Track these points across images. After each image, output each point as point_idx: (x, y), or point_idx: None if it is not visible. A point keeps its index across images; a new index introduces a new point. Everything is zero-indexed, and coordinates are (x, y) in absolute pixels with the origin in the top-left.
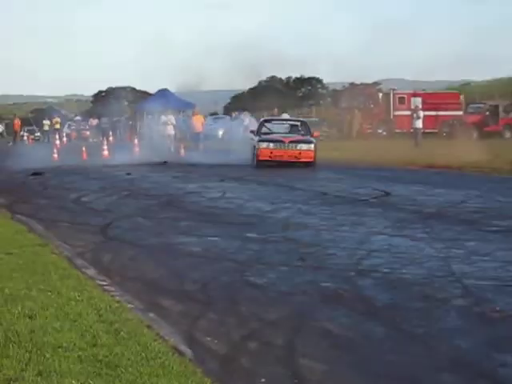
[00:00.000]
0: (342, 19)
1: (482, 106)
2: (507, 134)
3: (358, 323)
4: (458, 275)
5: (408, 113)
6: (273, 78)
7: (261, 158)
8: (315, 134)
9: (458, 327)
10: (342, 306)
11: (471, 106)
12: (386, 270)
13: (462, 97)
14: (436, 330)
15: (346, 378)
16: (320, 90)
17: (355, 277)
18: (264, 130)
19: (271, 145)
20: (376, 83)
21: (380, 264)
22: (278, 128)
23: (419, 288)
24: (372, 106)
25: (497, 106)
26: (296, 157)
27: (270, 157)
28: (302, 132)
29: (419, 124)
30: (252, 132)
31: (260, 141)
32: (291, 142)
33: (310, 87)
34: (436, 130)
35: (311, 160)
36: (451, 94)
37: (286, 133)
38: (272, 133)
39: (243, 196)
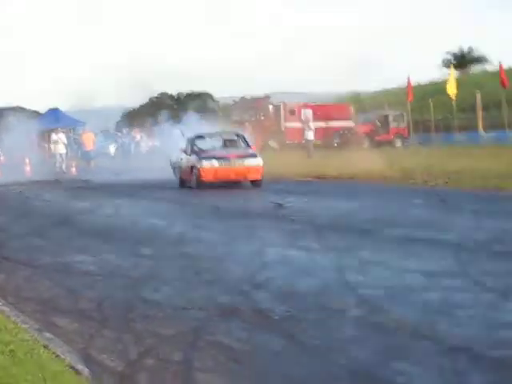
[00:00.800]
0: (225, 34)
1: (372, 116)
2: (398, 143)
3: (255, 336)
4: (353, 285)
5: (298, 124)
6: (163, 94)
7: (204, 179)
8: (254, 147)
9: (355, 337)
10: (239, 320)
11: (362, 116)
12: (281, 283)
13: (351, 107)
14: (333, 340)
15: None
16: (211, 104)
17: (251, 290)
18: (196, 148)
19: (215, 163)
20: (266, 96)
21: (275, 276)
22: (213, 144)
23: (315, 299)
24: (263, 118)
25: (387, 116)
26: (244, 175)
27: (214, 177)
28: (243, 146)
29: (311, 136)
30: (184, 151)
31: (202, 158)
32: (238, 157)
33: (200, 102)
34: (327, 141)
35: (259, 177)
36: (341, 105)
37: (225, 148)
38: (209, 150)
39: (137, 212)
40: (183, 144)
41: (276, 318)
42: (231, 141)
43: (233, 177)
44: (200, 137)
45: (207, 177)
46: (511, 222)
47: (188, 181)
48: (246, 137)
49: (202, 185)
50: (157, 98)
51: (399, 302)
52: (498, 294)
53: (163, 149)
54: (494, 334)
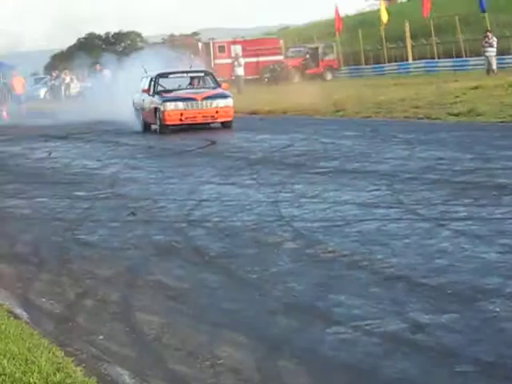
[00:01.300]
0: None
1: (302, 49)
2: (328, 76)
3: (192, 274)
4: (288, 219)
5: (229, 61)
6: (91, 34)
7: (169, 123)
8: (224, 85)
9: (291, 270)
10: (176, 258)
11: (291, 50)
12: (216, 219)
13: (281, 41)
14: (269, 274)
15: (184, 330)
16: (140, 43)
17: (187, 228)
18: (160, 87)
19: (181, 104)
20: (195, 33)
21: (210, 213)
22: (178, 83)
23: (250, 234)
24: (192, 56)
25: (316, 49)
26: (213, 116)
27: (180, 120)
28: (212, 85)
29: (241, 72)
30: (145, 92)
31: (165, 101)
32: (205, 98)
33: (129, 41)
34: (258, 76)
35: (230, 119)
36: (271, 39)
37: (192, 88)
38: (174, 90)
39: (69, 155)
40: (113, 85)
41: (212, 254)
42: (198, 79)
43: (200, 119)
44: (164, 75)
45: (172, 120)
46: (443, 150)
47: (152, 124)
48: (214, 75)
49: (167, 128)
50: (85, 38)
51: (335, 233)
52: (432, 223)
53: (95, 90)
54: (429, 262)
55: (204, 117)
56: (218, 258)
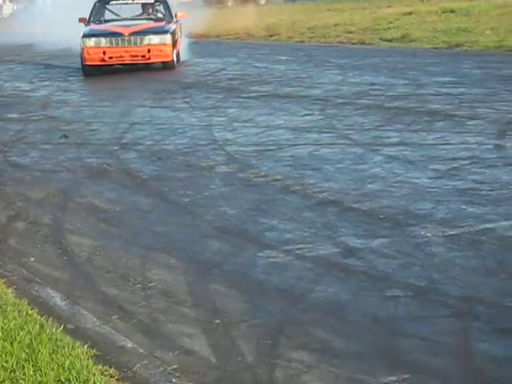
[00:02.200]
0: None
1: None
2: (262, 0)
3: (124, 197)
4: (221, 143)
5: None
6: None
7: (88, 63)
8: (179, 14)
9: (224, 194)
10: (108, 181)
11: None
12: (149, 143)
13: None
14: (202, 198)
15: (117, 252)
16: None
17: (119, 151)
18: (100, 16)
19: (103, 41)
20: None
21: (143, 136)
22: (123, 12)
23: (183, 158)
24: None
25: None
26: (144, 56)
27: (103, 60)
28: (160, 15)
29: None
30: (82, 21)
31: (86, 36)
32: (134, 33)
33: None
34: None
35: (168, 59)
36: None
37: (133, 19)
38: (110, 20)
39: (1, 77)
40: (51, 7)
41: (144, 177)
42: (151, 8)
43: (128, 59)
44: (105, 1)
45: (92, 60)
46: (376, 75)
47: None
48: (167, 3)
49: (88, 70)
50: None
51: (267, 158)
52: (364, 148)
53: (29, 12)
54: (361, 187)
55: (133, 56)
56: (150, 180)
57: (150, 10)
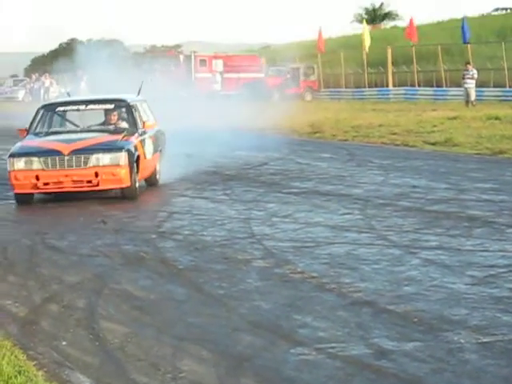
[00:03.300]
0: None
1: (282, 68)
2: (308, 97)
3: (159, 285)
4: (259, 237)
5: (209, 75)
6: (73, 40)
7: (18, 191)
8: (147, 124)
9: (259, 288)
10: (144, 269)
11: (272, 68)
12: (187, 232)
13: (262, 59)
14: (237, 291)
15: (148, 341)
16: (121, 52)
17: (156, 239)
18: (46, 127)
19: (36, 161)
20: (177, 46)
21: (181, 226)
22: (77, 118)
23: (220, 250)
24: (173, 68)
25: (297, 69)
26: (90, 182)
27: (35, 187)
28: (121, 124)
29: (218, 87)
30: (22, 133)
31: (13, 155)
32: (76, 151)
33: (111, 49)
34: (238, 92)
35: (123, 185)
36: (252, 56)
37: (84, 131)
38: (54, 133)
39: None
40: (88, 93)
41: (181, 267)
42: (115, 114)
43: (69, 187)
44: (52, 106)
45: (22, 187)
46: (418, 178)
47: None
48: (133, 107)
49: (21, 199)
50: (67, 43)
51: (305, 254)
52: (402, 250)
53: (73, 95)
54: (397, 289)
55: (75, 182)
56: (186, 270)
57: (115, 118)
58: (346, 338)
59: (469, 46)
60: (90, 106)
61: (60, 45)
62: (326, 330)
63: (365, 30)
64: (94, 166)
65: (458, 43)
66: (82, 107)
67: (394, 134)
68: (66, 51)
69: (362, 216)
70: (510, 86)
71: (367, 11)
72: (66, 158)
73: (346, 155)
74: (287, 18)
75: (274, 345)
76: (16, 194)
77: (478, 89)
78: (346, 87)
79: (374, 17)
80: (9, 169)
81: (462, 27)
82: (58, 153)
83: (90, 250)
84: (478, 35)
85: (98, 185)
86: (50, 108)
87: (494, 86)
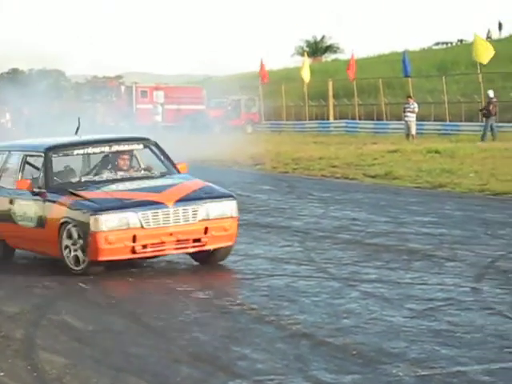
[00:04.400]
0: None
1: (224, 100)
2: (249, 129)
3: (98, 316)
4: (199, 269)
5: (150, 106)
6: (14, 69)
7: (105, 257)
8: (181, 165)
9: (198, 320)
10: (82, 300)
11: (213, 100)
12: (125, 264)
13: (204, 91)
14: (176, 322)
15: (87, 371)
16: (63, 82)
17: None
18: (61, 174)
19: (133, 217)
20: (119, 76)
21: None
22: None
23: (160, 281)
24: (115, 99)
25: (239, 101)
26: (198, 241)
27: (132, 251)
28: (160, 170)
29: (159, 118)
30: (23, 187)
31: (98, 210)
32: (182, 201)
33: (52, 80)
34: (178, 124)
35: (231, 243)
36: (194, 87)
37: (128, 177)
38: (99, 182)
39: None
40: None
41: (120, 298)
42: (128, 156)
43: (171, 248)
44: (63, 148)
45: (114, 252)
46: (358, 211)
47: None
48: (157, 146)
49: (99, 266)
50: (8, 73)
51: (244, 286)
52: (342, 282)
53: (14, 126)
54: (336, 322)
55: (179, 242)
56: (124, 302)
57: (128, 161)
58: (284, 371)
59: (410, 79)
60: (115, 147)
61: (1, 75)
62: (264, 362)
63: (305, 62)
64: (203, 220)
65: (399, 77)
66: (106, 149)
67: (335, 166)
68: (6, 81)
69: (302, 248)
70: (450, 120)
71: (308, 44)
72: (172, 209)
73: (286, 187)
74: (229, 50)
75: (213, 376)
76: (99, 262)
77: (418, 122)
78: (286, 119)
79: (316, 49)
80: (93, 230)
81: (403, 61)
82: (160, 204)
83: (30, 282)
84: (418, 69)
85: (205, 243)
86: (59, 151)
87: (435, 120)
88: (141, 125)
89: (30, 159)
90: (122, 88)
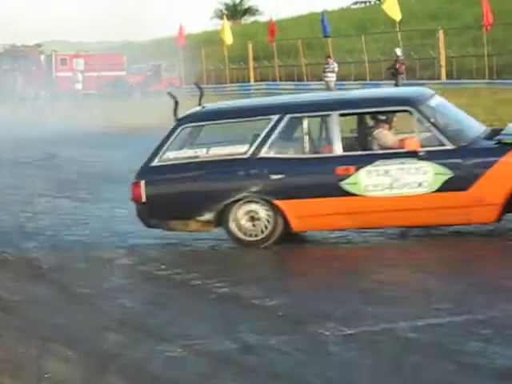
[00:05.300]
0: None
1: (144, 66)
2: None
3: (23, 286)
4: (123, 235)
5: (70, 74)
6: None
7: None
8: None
9: (124, 287)
10: (7, 270)
11: (134, 66)
12: (50, 233)
13: (124, 57)
14: (102, 289)
15: (13, 341)
16: None
17: (20, 240)
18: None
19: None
20: (38, 45)
21: (45, 226)
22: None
23: (85, 249)
24: (34, 68)
25: (159, 66)
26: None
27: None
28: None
29: (79, 86)
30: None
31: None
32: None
33: None
34: (99, 91)
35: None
36: (114, 54)
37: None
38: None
39: None
40: None
41: (45, 267)
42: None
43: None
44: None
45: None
46: None
47: None
48: None
49: None
50: None
51: (169, 251)
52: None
53: None
54: (261, 283)
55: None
56: (50, 271)
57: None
58: (212, 334)
59: (329, 39)
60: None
61: None
62: (191, 326)
63: (225, 25)
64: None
65: (319, 37)
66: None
67: None
68: None
69: None
70: (370, 79)
71: (227, 7)
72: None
73: None
74: (147, 15)
75: (141, 342)
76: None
77: (338, 82)
78: (207, 83)
79: (235, 12)
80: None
81: (322, 21)
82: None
83: None
84: (338, 29)
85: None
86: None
87: (355, 79)
88: (61, 93)
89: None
90: (42, 57)
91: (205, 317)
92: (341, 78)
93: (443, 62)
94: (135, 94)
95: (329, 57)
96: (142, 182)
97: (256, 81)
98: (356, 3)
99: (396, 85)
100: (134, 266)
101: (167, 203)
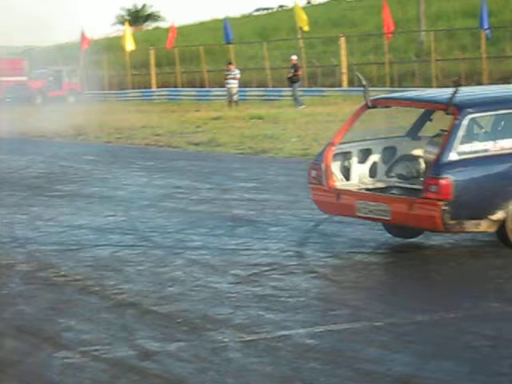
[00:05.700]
0: None
1: (45, 71)
2: (71, 99)
3: None
4: (22, 241)
5: None
6: None
7: None
8: None
9: (23, 293)
10: None
11: (35, 71)
12: None
13: (25, 62)
14: (0, 296)
15: None
16: None
17: None
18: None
19: None
20: None
21: None
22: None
23: None
24: None
25: (60, 71)
26: None
27: None
28: None
29: None
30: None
31: None
32: None
33: None
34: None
35: None
36: (14, 59)
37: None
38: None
39: None
40: None
41: None
42: None
43: None
44: None
45: None
46: (181, 179)
47: None
48: None
49: None
50: None
51: (68, 258)
52: (166, 250)
53: None
54: (161, 290)
55: None
56: None
57: None
58: (110, 340)
59: (231, 46)
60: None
61: None
62: (90, 332)
63: (126, 31)
64: None
65: (221, 43)
66: None
67: (158, 135)
68: None
69: (126, 218)
70: (272, 86)
71: (129, 12)
72: None
73: (109, 157)
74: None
75: (38, 349)
76: None
77: (240, 89)
78: (109, 89)
79: (137, 18)
80: None
81: (225, 27)
82: None
83: None
84: (240, 35)
85: None
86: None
87: (257, 86)
88: None
89: None
90: None
91: (103, 323)
92: (243, 84)
93: (345, 70)
94: (36, 100)
95: (230, 63)
96: (450, 179)
97: (158, 87)
98: (258, 10)
99: (293, 92)
100: (32, 272)
101: (474, 201)
